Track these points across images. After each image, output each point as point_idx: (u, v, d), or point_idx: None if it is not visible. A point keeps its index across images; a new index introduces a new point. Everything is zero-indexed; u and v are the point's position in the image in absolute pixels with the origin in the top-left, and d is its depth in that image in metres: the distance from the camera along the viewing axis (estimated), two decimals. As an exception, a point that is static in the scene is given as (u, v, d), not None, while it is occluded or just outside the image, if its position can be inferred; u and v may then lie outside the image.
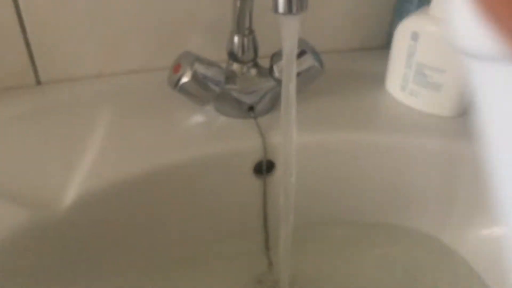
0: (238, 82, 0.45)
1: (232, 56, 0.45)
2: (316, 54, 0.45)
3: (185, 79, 0.42)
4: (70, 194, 0.38)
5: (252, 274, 0.45)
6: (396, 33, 0.48)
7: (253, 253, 0.45)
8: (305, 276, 0.45)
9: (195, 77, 0.42)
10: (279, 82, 0.45)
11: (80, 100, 0.49)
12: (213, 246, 0.46)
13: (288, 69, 0.31)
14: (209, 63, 0.43)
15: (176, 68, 0.43)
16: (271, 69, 0.45)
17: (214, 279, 0.43)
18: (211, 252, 0.46)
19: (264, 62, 0.46)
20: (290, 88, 0.31)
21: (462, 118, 0.47)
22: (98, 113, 0.47)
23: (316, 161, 0.45)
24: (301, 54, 0.45)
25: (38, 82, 0.51)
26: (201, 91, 0.43)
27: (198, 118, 0.47)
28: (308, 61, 0.44)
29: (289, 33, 0.30)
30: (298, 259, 0.46)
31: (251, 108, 0.46)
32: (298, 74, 0.44)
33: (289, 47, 0.31)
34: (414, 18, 0.46)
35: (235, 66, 0.45)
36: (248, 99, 0.45)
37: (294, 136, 0.33)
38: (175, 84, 0.42)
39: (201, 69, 0.42)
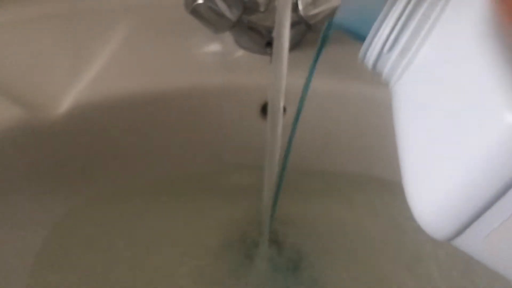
0: (259, 13, 0.42)
1: (258, -16, 0.41)
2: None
3: (199, 1, 0.39)
4: (68, 100, 0.38)
5: (243, 217, 0.44)
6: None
7: (249, 196, 0.44)
8: (296, 225, 0.43)
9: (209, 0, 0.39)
10: (303, 19, 0.42)
11: (103, 9, 0.48)
12: (210, 178, 0.45)
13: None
14: (229, -12, 0.40)
15: (193, -12, 0.40)
16: (296, 4, 0.41)
17: (201, 213, 0.43)
18: (206, 185, 0.45)
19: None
20: (282, 18, 0.28)
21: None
22: (117, 25, 0.46)
23: (326, 111, 0.42)
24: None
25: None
26: (215, 17, 0.40)
27: (214, 47, 0.45)
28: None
29: None
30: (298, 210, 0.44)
31: (269, 44, 0.43)
32: (321, 14, 0.40)
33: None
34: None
35: (260, -4, 0.42)
36: (266, 33, 0.42)
37: (284, 75, 0.30)
38: (189, 6, 0.40)
39: (218, -8, 0.39)
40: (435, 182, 0.16)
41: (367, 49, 0.19)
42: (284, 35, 0.29)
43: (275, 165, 0.34)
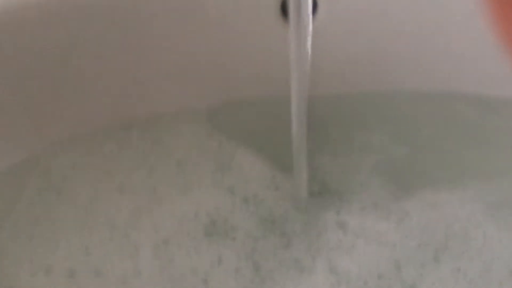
0: None
1: None
2: None
3: None
4: None
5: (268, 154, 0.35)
6: None
7: (271, 127, 0.34)
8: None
9: None
10: None
11: None
12: (217, 114, 0.36)
13: None
14: None
15: None
16: None
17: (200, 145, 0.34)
18: (211, 124, 0.35)
19: None
20: None
21: None
22: None
23: (376, 11, 0.31)
24: None
25: None
26: None
27: None
28: None
29: None
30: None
31: None
32: None
33: None
34: None
35: None
36: None
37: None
38: None
39: None
40: None
41: None
42: None
43: (304, 88, 0.23)
